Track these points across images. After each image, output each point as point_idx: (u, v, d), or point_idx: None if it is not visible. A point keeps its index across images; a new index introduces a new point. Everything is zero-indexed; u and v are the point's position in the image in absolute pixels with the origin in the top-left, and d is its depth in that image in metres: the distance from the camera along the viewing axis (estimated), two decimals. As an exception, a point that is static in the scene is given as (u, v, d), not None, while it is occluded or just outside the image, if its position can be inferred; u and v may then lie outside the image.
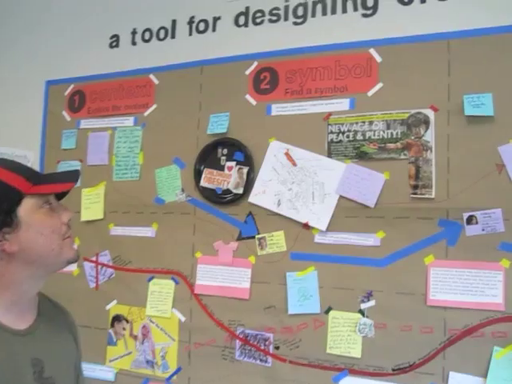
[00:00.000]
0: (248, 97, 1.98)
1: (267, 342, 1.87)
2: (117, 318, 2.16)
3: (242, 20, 2.06)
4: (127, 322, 2.14)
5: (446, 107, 1.69)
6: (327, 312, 1.80)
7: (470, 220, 1.64)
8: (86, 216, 2.25)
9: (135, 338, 2.12)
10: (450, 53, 1.70)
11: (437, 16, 1.74)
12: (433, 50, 1.72)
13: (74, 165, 2.29)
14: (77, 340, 1.25)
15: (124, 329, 2.14)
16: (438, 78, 1.71)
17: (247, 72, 2.00)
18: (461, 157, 1.66)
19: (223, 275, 1.96)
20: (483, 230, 1.63)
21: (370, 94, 1.80)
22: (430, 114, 1.71)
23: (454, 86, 1.69)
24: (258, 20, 2.03)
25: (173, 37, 2.18)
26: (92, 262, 2.23)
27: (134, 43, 2.27)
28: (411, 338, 1.68)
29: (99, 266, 2.21)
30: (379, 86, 1.79)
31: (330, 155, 1.83)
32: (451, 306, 1.64)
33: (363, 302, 1.74)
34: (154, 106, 2.17)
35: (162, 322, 2.07)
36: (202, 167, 2.01)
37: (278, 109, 1.92)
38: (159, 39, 2.21)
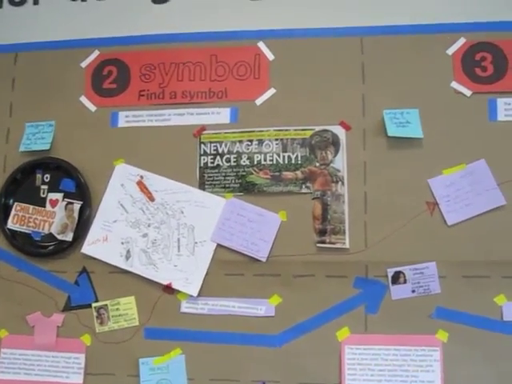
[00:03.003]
0: (84, 99, 1.62)
1: None
2: None
3: (76, -10, 1.64)
4: None
5: (361, 125, 1.45)
6: (200, 416, 1.43)
7: (396, 278, 1.37)
8: None
9: None
10: (363, 53, 1.49)
11: (347, 5, 1.51)
12: (342, 48, 1.50)
13: None
14: None
15: None
16: (350, 86, 1.48)
17: (84, 64, 1.63)
18: (381, 192, 1.42)
19: (42, 365, 1.56)
20: (413, 291, 1.36)
21: (258, 102, 1.52)
22: (341, 132, 1.46)
23: (370, 97, 1.47)
24: (101, -9, 1.63)
25: (-29, 7, 1.71)
26: None
27: None
28: None
29: None
30: (271, 92, 1.52)
31: (202, 186, 1.53)
32: (375, 399, 1.35)
33: (252, 398, 1.41)
34: None
35: None
36: (10, 201, 1.65)
37: (128, 118, 1.59)
38: None
